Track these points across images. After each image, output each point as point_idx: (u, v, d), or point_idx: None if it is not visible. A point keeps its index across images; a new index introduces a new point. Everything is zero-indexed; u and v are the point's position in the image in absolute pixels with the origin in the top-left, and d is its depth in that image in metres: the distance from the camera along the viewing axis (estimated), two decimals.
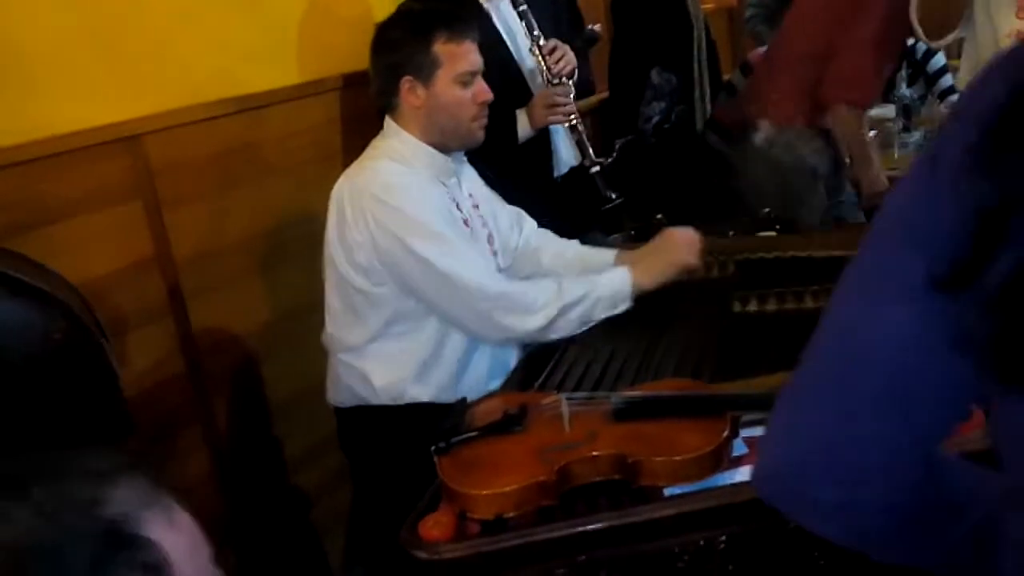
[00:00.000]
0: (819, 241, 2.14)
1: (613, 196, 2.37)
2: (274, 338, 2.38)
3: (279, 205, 2.37)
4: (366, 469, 2.07)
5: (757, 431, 1.42)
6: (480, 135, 2.00)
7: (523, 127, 2.46)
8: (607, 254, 2.11)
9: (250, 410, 2.35)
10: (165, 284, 2.11)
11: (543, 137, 2.53)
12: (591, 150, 2.45)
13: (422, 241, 1.83)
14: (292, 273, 2.35)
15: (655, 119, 3.73)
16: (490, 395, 1.61)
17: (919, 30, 2.33)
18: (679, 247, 1.97)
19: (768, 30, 4.52)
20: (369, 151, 2.00)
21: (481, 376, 1.99)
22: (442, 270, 1.82)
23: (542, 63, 2.44)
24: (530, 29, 2.44)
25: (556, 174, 2.63)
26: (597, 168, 2.43)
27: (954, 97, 3.65)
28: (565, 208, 2.59)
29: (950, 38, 2.34)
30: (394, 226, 1.84)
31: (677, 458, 1.29)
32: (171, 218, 2.11)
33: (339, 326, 1.99)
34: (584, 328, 1.86)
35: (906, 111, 3.56)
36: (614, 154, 3.44)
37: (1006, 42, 2.23)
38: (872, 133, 3.36)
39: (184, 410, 2.17)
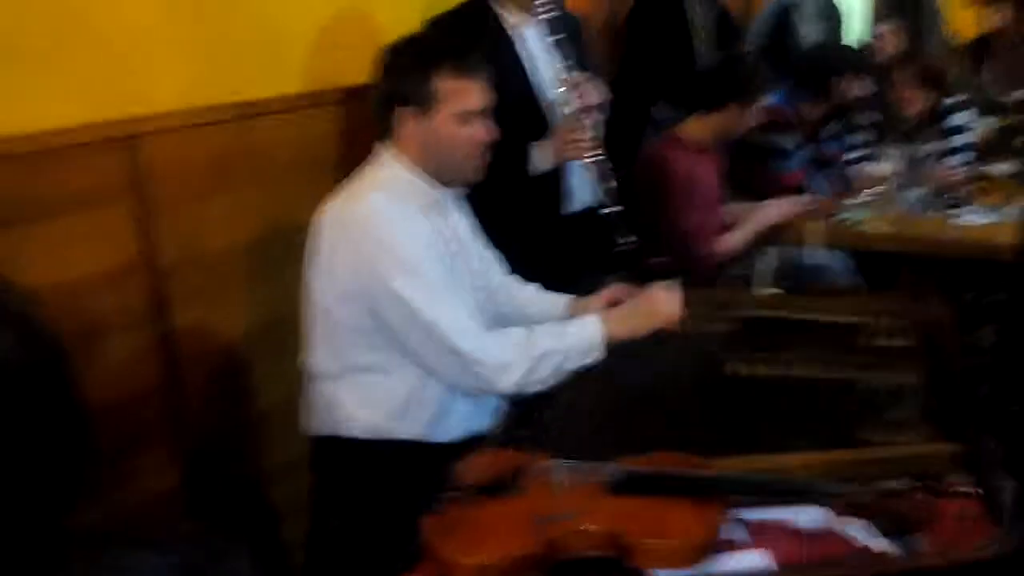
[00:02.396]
0: (825, 305, 2.11)
1: (630, 239, 2.31)
2: (257, 350, 2.31)
3: (270, 215, 2.31)
4: (335, 502, 2.00)
5: (757, 514, 1.39)
6: (475, 175, 1.94)
7: (539, 160, 2.38)
8: (559, 303, 2.08)
9: (226, 422, 2.28)
10: (148, 290, 2.04)
11: (554, 172, 2.46)
12: (612, 188, 2.37)
13: (404, 282, 1.77)
14: (278, 284, 2.28)
15: None
16: (481, 450, 1.55)
17: (989, 83, 2.27)
18: (659, 304, 1.90)
19: (765, 68, 4.53)
20: (357, 178, 1.93)
21: (464, 416, 1.92)
22: (420, 313, 1.76)
23: (567, 96, 2.35)
24: (563, 58, 2.37)
25: (567, 211, 2.55)
26: (616, 210, 2.35)
27: (955, 159, 3.65)
28: (570, 247, 2.54)
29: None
30: (376, 260, 1.78)
31: (671, 543, 1.25)
32: (159, 223, 2.05)
33: (316, 354, 1.92)
34: (558, 379, 1.81)
35: (905, 169, 3.55)
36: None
37: None
38: (870, 192, 3.36)
39: (157, 419, 2.10)
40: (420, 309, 1.76)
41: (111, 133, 1.92)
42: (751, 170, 3.57)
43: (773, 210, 3.19)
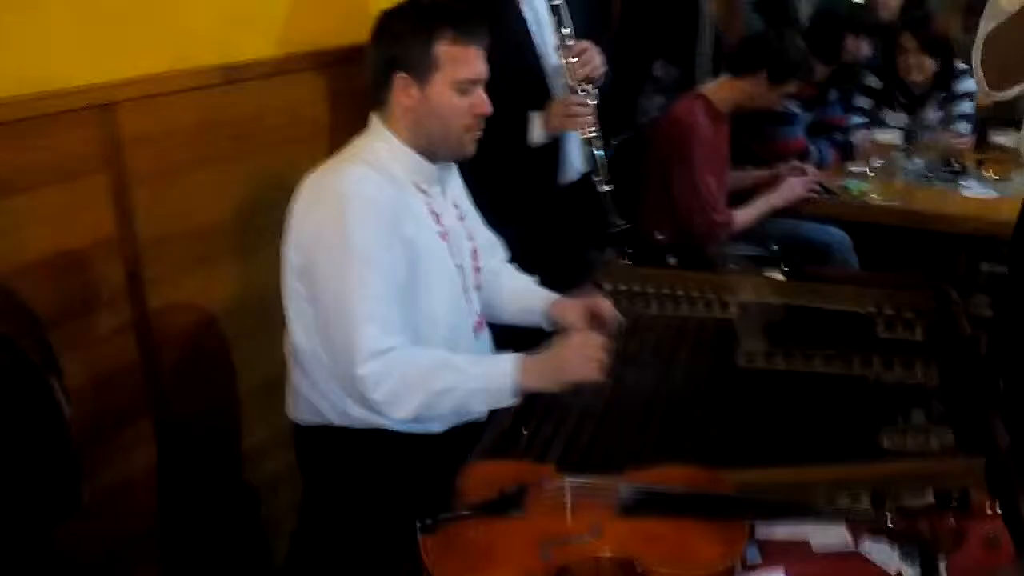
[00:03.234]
0: (829, 293, 2.04)
1: (620, 223, 2.22)
2: (240, 327, 2.22)
3: (258, 186, 2.20)
4: (321, 492, 1.92)
5: (772, 533, 1.33)
6: (471, 149, 1.83)
7: (537, 132, 2.30)
8: (541, 298, 1.98)
9: (207, 401, 2.20)
10: (124, 267, 1.94)
11: (552, 143, 2.37)
12: (605, 168, 2.28)
13: (343, 263, 1.67)
14: (265, 260, 2.14)
15: (653, 113, 3.60)
16: (483, 461, 1.47)
17: (980, 78, 2.16)
18: (577, 357, 1.69)
19: (756, 18, 4.39)
20: (347, 148, 1.83)
21: None
22: (341, 303, 1.66)
23: (567, 65, 2.25)
24: (560, 26, 2.26)
25: (562, 180, 2.46)
26: (608, 188, 2.26)
27: (964, 126, 3.56)
28: (567, 218, 2.45)
29: (1015, 91, 2.15)
30: (327, 235, 1.69)
31: (694, 572, 1.18)
32: (138, 195, 1.93)
33: (293, 332, 1.83)
34: (466, 417, 1.73)
35: (909, 137, 3.47)
36: (611, 152, 3.31)
37: None
38: (876, 161, 3.27)
39: (135, 400, 2.02)
40: (343, 299, 1.66)
41: (85, 101, 1.80)
42: (756, 134, 3.47)
43: (785, 194, 3.15)
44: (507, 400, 1.68)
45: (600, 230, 2.30)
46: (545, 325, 1.96)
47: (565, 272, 2.22)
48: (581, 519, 1.26)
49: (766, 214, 3.13)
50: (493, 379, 1.69)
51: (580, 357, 1.68)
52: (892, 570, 1.27)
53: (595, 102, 2.28)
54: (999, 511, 1.31)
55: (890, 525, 1.28)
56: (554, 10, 2.26)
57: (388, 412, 1.68)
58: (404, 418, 1.68)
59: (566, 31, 2.26)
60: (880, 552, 1.29)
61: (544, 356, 1.71)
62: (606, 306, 1.90)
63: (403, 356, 1.67)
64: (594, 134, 2.29)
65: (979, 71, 2.05)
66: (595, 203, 2.33)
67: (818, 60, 3.52)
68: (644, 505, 1.28)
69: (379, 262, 1.69)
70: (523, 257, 2.12)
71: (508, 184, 2.24)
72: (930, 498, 1.37)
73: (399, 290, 1.72)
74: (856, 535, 1.33)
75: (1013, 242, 2.24)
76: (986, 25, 2.04)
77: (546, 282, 2.08)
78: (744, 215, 3.07)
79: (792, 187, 3.16)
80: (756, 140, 3.48)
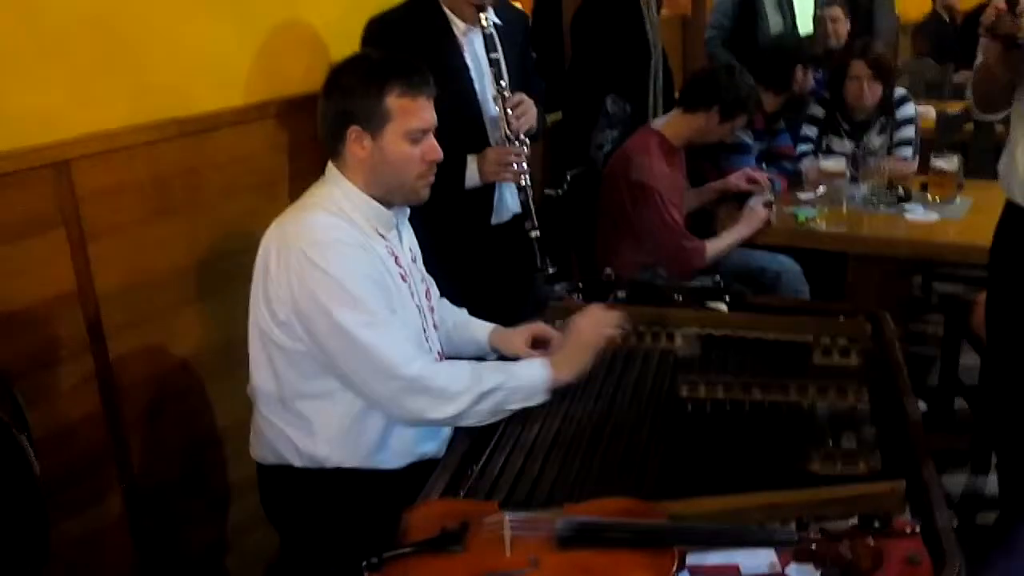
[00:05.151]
0: (770, 323, 2.11)
1: (550, 269, 2.31)
2: (202, 372, 2.28)
3: (216, 235, 2.26)
4: (284, 533, 1.97)
5: (703, 559, 1.39)
6: (424, 193, 1.91)
7: (471, 176, 2.38)
8: (482, 328, 2.09)
9: (169, 449, 2.24)
10: (85, 319, 1.99)
11: (487, 184, 2.45)
12: (534, 215, 2.37)
13: (344, 309, 1.74)
14: (225, 306, 2.24)
15: (606, 147, 3.69)
16: (429, 499, 1.53)
17: (971, 99, 2.32)
18: (590, 329, 1.92)
19: (726, 53, 4.51)
20: (306, 197, 1.90)
21: (408, 441, 1.90)
22: (361, 342, 1.74)
23: (504, 117, 2.34)
24: (497, 79, 2.35)
25: (496, 221, 2.54)
26: (537, 234, 2.36)
27: (907, 150, 3.67)
28: (499, 258, 2.52)
29: (1002, 114, 2.31)
30: (318, 289, 1.75)
31: None
32: (96, 249, 1.99)
33: (258, 378, 1.89)
34: (495, 418, 1.79)
35: (854, 162, 3.56)
36: (565, 186, 3.40)
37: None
38: (822, 189, 3.37)
39: (98, 450, 2.06)
40: (361, 338, 1.74)
41: (39, 160, 1.86)
42: (712, 163, 3.57)
43: (752, 223, 3.22)
44: (541, 397, 1.82)
45: (531, 271, 2.39)
46: (487, 355, 2.05)
47: (498, 310, 2.29)
48: (520, 553, 1.32)
49: (736, 244, 3.20)
50: (531, 379, 1.81)
51: (591, 328, 1.91)
52: None
53: (528, 152, 2.37)
54: (919, 531, 1.38)
55: (813, 548, 1.34)
56: (493, 63, 2.34)
57: (436, 410, 1.77)
58: (447, 417, 1.78)
59: (503, 83, 2.35)
60: (803, 575, 1.36)
61: (564, 349, 1.89)
62: (548, 330, 2.01)
63: (439, 362, 1.81)
64: (525, 184, 2.37)
65: (970, 96, 2.30)
66: (526, 244, 2.42)
67: (769, 91, 3.65)
68: (580, 537, 1.34)
69: (370, 291, 1.78)
70: (457, 295, 2.20)
71: (443, 224, 2.31)
72: (854, 520, 1.44)
73: (393, 314, 1.82)
74: (783, 559, 1.39)
75: (992, 264, 2.39)
76: (979, 55, 2.26)
77: (480, 318, 2.16)
78: (714, 246, 3.14)
79: (757, 216, 3.23)
80: (711, 169, 3.58)
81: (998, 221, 2.40)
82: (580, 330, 1.92)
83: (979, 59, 2.28)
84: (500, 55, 2.36)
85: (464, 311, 2.16)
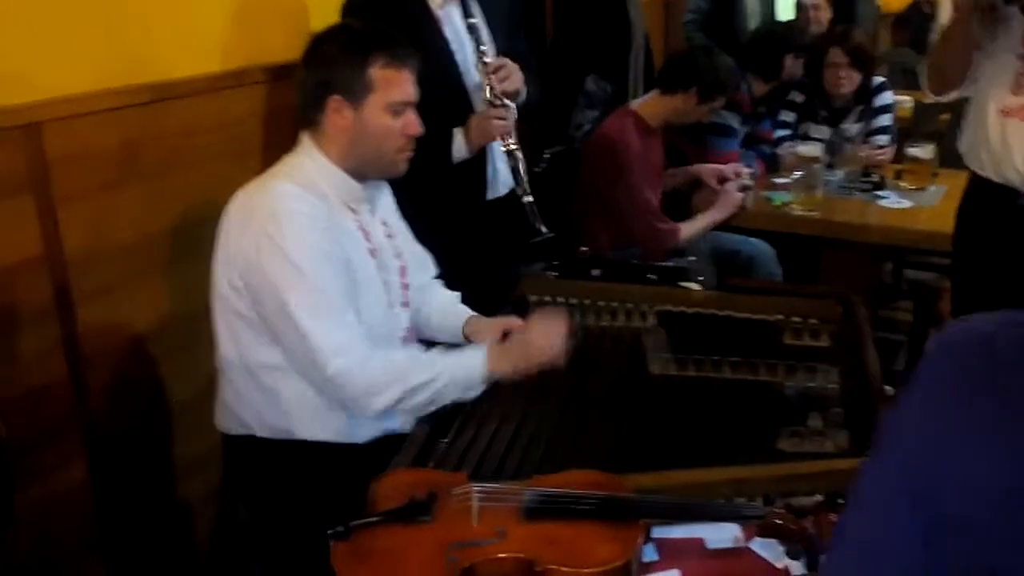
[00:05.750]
0: (742, 303, 2.12)
1: (544, 230, 2.27)
2: (170, 341, 2.24)
3: (187, 203, 2.23)
4: (245, 501, 1.96)
5: (668, 532, 1.40)
6: (403, 167, 1.89)
7: (459, 147, 2.34)
8: (459, 320, 2.05)
9: (137, 417, 2.21)
10: (52, 284, 1.96)
11: (479, 158, 2.41)
12: (526, 180, 2.34)
13: (292, 290, 1.72)
14: (194, 274, 2.18)
15: (586, 127, 3.68)
16: (398, 469, 1.53)
17: (924, 80, 2.33)
18: (541, 342, 1.85)
19: (703, 37, 4.50)
20: (276, 166, 1.88)
21: (376, 416, 1.89)
22: (301, 326, 1.72)
23: (485, 81, 2.30)
24: (477, 44, 2.31)
25: (491, 195, 2.51)
26: (530, 199, 2.32)
27: (883, 138, 3.69)
28: (495, 233, 2.49)
29: (953, 95, 2.32)
30: (271, 265, 1.72)
31: (586, 569, 1.24)
32: (65, 214, 1.96)
33: (221, 345, 1.87)
34: (435, 407, 1.78)
35: (831, 149, 3.58)
36: (543, 164, 3.39)
37: (994, 117, 2.20)
38: (798, 173, 3.38)
39: (64, 416, 2.03)
40: (301, 323, 1.72)
41: (8, 121, 1.82)
42: (694, 144, 3.57)
43: (727, 207, 3.22)
44: (478, 389, 1.79)
45: (526, 242, 2.36)
46: (462, 343, 2.03)
47: (493, 286, 2.28)
48: (487, 524, 1.33)
49: (709, 227, 3.21)
50: (465, 369, 1.79)
51: (543, 342, 1.83)
52: (780, 565, 1.35)
53: (514, 115, 2.32)
54: None
55: (777, 523, 1.36)
56: (471, 28, 2.31)
57: (365, 406, 1.76)
58: (378, 411, 1.76)
59: (484, 48, 2.31)
60: (767, 549, 1.37)
61: (511, 344, 1.86)
62: (518, 325, 1.97)
63: (371, 356, 1.75)
64: (514, 146, 2.32)
65: (923, 77, 2.28)
66: (522, 218, 2.39)
67: (758, 78, 3.65)
68: (547, 509, 1.35)
69: (322, 272, 1.74)
70: (451, 271, 2.18)
71: (436, 199, 2.28)
72: (820, 497, 1.45)
73: (346, 297, 1.78)
74: (747, 533, 1.40)
75: (956, 245, 2.41)
76: (934, 38, 2.28)
77: (474, 296, 2.14)
78: (688, 228, 3.14)
79: (732, 200, 3.23)
80: (693, 149, 3.58)
81: (960, 202, 2.40)
82: (531, 339, 1.87)
83: (933, 40, 2.30)
84: (478, 19, 2.32)
85: (457, 295, 2.13)
